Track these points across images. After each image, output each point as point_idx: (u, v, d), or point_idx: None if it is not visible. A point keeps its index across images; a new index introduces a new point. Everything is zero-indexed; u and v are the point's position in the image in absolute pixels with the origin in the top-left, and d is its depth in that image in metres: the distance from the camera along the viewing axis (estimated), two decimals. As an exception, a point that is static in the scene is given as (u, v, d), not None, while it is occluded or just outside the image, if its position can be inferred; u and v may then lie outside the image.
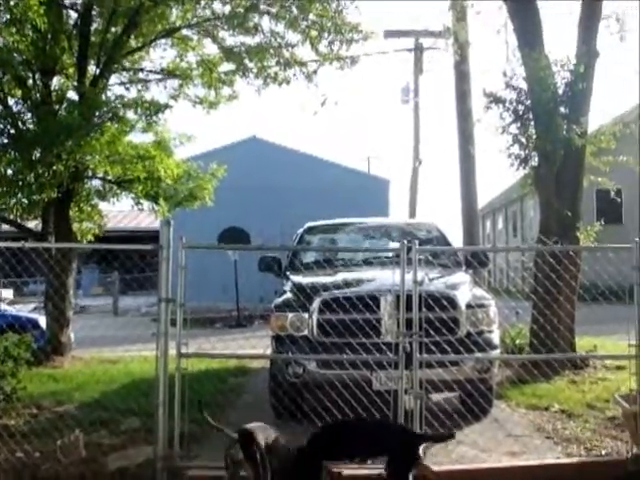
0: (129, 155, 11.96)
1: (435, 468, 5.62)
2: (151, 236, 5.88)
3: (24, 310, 16.77)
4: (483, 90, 11.49)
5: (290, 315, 7.29)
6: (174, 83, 14.03)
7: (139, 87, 13.99)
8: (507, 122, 11.23)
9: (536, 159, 11.20)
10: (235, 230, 21.82)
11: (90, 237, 13.27)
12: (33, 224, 13.61)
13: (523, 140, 11.17)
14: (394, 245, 8.60)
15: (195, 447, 6.33)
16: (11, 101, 12.37)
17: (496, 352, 7.49)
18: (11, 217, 12.65)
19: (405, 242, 5.98)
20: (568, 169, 10.99)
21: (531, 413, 7.98)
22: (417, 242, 6.09)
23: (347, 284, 7.36)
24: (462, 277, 8.27)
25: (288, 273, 8.70)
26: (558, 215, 10.81)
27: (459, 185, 21.13)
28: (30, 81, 12.27)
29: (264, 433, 4.86)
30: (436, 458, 6.02)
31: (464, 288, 7.67)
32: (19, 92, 12.29)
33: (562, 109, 11.05)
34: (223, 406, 8.28)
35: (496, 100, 11.29)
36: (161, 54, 16.64)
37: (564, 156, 10.86)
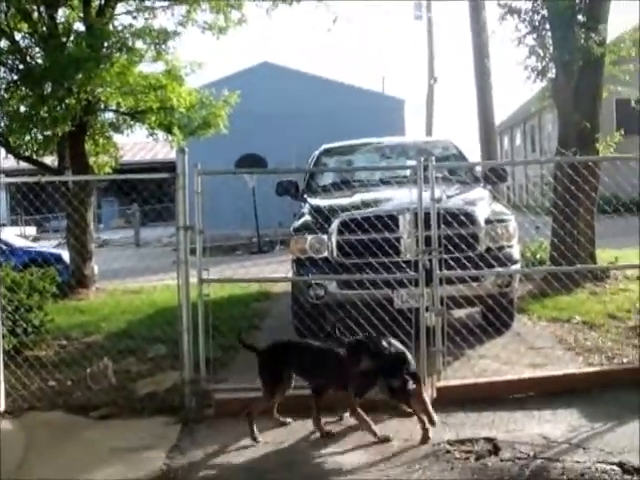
0: (140, 85, 11.84)
1: (457, 382, 5.73)
2: (168, 167, 5.88)
3: (48, 246, 16.96)
4: (498, 1, 11.20)
5: (309, 237, 7.31)
6: (182, 9, 13.69)
7: (146, 15, 13.67)
8: (523, 33, 11.00)
9: (554, 70, 10.98)
10: (252, 157, 21.72)
11: (107, 170, 13.28)
12: (49, 160, 13.62)
13: (540, 51, 10.94)
14: (411, 164, 8.51)
15: (221, 371, 6.47)
16: (18, 36, 12.21)
17: (516, 266, 7.49)
18: (27, 154, 12.67)
19: (422, 159, 5.91)
20: (587, 79, 10.76)
21: (552, 325, 8.05)
22: (434, 159, 6.02)
23: (365, 204, 7.33)
24: (480, 193, 8.21)
25: (306, 196, 8.68)
26: (577, 127, 10.64)
27: (475, 101, 20.83)
28: (35, 14, 12.08)
29: None
30: (459, 372, 6.13)
31: (483, 204, 7.63)
32: (25, 26, 12.13)
33: (580, 17, 10.76)
34: (247, 330, 8.40)
35: (511, 11, 11.01)
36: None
37: (582, 66, 10.63)
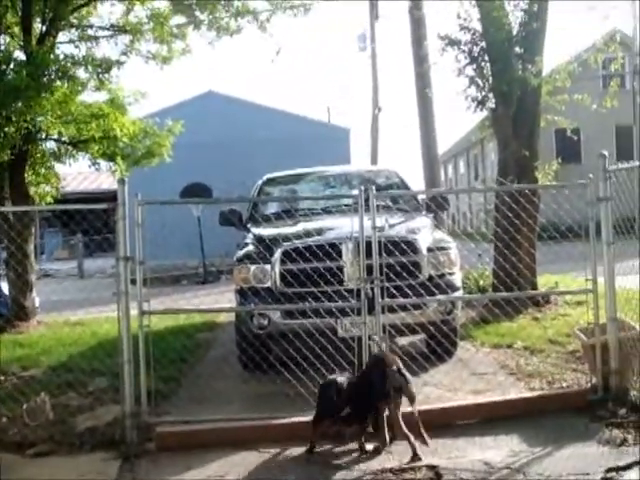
0: (82, 115, 11.70)
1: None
2: (112, 197, 5.83)
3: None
4: (438, 33, 11.45)
5: (252, 267, 7.29)
6: (125, 39, 13.67)
7: (89, 44, 13.61)
8: (463, 64, 11.21)
9: (493, 100, 11.22)
10: (197, 186, 21.65)
11: (49, 200, 13.04)
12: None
13: (479, 81, 11.17)
14: (353, 192, 8.58)
15: (163, 404, 6.37)
16: (-45, 64, 11.98)
17: (458, 294, 7.58)
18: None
19: (362, 188, 5.97)
20: (525, 109, 11.03)
21: (495, 351, 8.15)
22: (374, 188, 6.09)
23: (307, 234, 7.36)
24: (422, 221, 8.31)
25: (249, 225, 8.67)
26: (516, 155, 10.88)
27: (419, 130, 21.15)
28: (-27, 42, 11.91)
29: None
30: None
31: (424, 232, 7.72)
32: (-38, 53, 11.92)
33: (517, 49, 11.05)
34: (190, 362, 8.31)
35: (451, 42, 11.24)
36: (109, 9, 16.17)
37: (520, 96, 10.89)
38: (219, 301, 11.42)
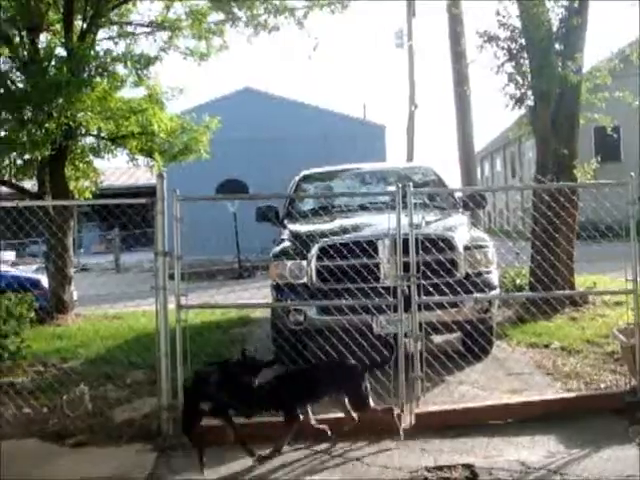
0: (121, 110, 11.82)
1: (436, 408, 5.73)
2: (149, 192, 5.89)
3: (27, 271, 16.80)
4: (476, 30, 11.36)
5: (288, 263, 7.33)
6: (163, 35, 13.79)
7: (128, 41, 13.77)
8: (501, 61, 11.10)
9: (532, 98, 11.10)
10: (233, 182, 21.75)
11: (88, 194, 13.23)
12: (29, 184, 13.55)
13: (518, 79, 11.05)
14: (390, 190, 8.56)
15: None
16: (-2, 60, 12.22)
17: (495, 292, 7.53)
18: (5, 178, 12.61)
19: (400, 185, 5.95)
20: (564, 107, 10.89)
21: (531, 351, 8.07)
22: (412, 185, 6.07)
23: (344, 230, 7.37)
24: (459, 219, 8.27)
25: (285, 222, 8.70)
26: (555, 154, 10.75)
27: (455, 128, 21.03)
28: (17, 39, 12.09)
29: None
30: (438, 398, 6.13)
31: (461, 230, 7.68)
32: (6, 50, 12.12)
33: (557, 46, 10.92)
34: (225, 356, 8.34)
35: (490, 39, 11.14)
36: (148, 6, 16.39)
37: (560, 94, 10.76)
38: (254, 297, 11.46)
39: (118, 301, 14.53)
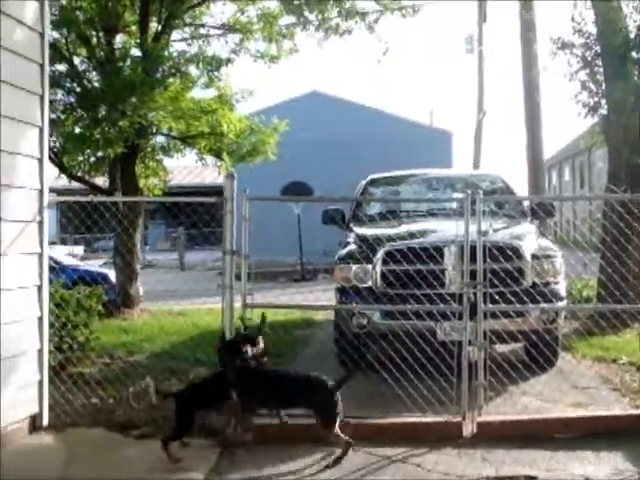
0: (192, 110, 12.04)
1: (499, 417, 5.66)
2: (214, 192, 5.96)
3: (94, 265, 17.24)
4: (550, 36, 11.21)
5: (354, 267, 7.34)
6: (235, 38, 13.99)
7: (200, 42, 14.01)
8: (575, 69, 10.93)
9: (605, 107, 10.88)
10: (298, 184, 21.85)
11: (157, 192, 13.51)
12: (100, 181, 13.90)
13: (592, 87, 10.86)
14: (458, 196, 8.50)
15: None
16: (76, 60, 12.57)
17: (562, 303, 7.40)
18: (79, 174, 12.96)
19: (469, 192, 5.91)
20: (639, 116, 10.64)
21: (597, 365, 7.90)
22: (481, 192, 6.02)
23: (411, 235, 7.35)
24: (527, 227, 8.16)
25: (351, 225, 8.72)
26: (628, 164, 10.51)
27: (524, 135, 20.73)
28: (94, 39, 12.44)
29: None
30: (500, 408, 6.06)
31: (529, 238, 7.58)
32: (84, 51, 12.50)
33: (634, 54, 10.66)
34: (287, 357, 8.41)
35: (563, 46, 10.98)
36: (221, 9, 16.58)
37: (634, 103, 10.51)
38: (318, 299, 11.53)
39: (184, 298, 14.75)
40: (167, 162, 14.07)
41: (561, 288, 7.38)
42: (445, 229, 7.18)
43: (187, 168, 35.78)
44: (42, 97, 5.95)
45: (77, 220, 7.73)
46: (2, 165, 5.35)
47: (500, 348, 7.76)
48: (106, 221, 8.75)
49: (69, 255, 19.06)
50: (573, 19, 10.98)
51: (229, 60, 12.90)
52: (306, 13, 13.31)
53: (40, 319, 5.90)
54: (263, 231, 6.06)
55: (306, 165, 25.04)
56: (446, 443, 5.35)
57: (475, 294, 5.77)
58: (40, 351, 5.85)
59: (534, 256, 7.21)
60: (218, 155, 12.99)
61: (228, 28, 14.04)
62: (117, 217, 11.48)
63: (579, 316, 9.79)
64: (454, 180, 10.37)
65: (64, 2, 11.71)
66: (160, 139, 13.23)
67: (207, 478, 4.84)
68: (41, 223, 5.90)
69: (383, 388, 6.09)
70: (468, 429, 5.56)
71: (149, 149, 13.12)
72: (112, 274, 12.92)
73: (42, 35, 5.94)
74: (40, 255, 5.89)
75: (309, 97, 29.69)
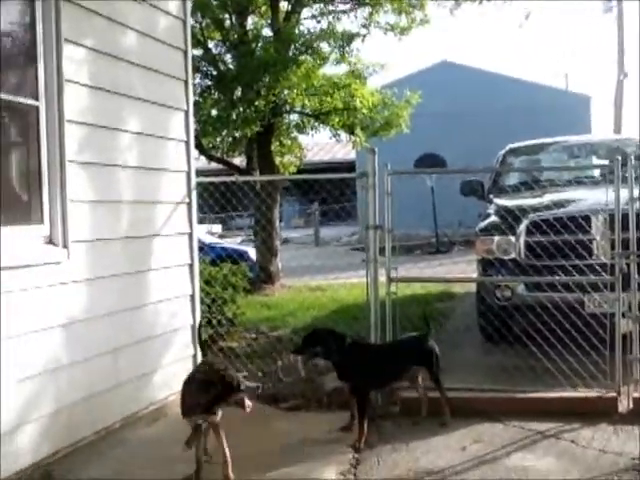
0: (324, 87, 12.17)
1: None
2: (346, 167, 6.02)
3: (234, 243, 17.77)
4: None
5: (497, 238, 7.20)
6: (364, 12, 13.92)
7: (330, 19, 14.04)
8: None
9: None
10: (431, 156, 21.63)
11: (292, 169, 13.76)
12: (237, 161, 14.29)
13: None
14: (603, 162, 8.15)
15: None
16: (211, 44, 12.96)
17: None
18: (217, 155, 13.39)
19: (619, 157, 5.65)
20: None
21: None
22: (633, 157, 5.74)
23: (556, 204, 7.14)
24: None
25: (491, 196, 8.56)
26: None
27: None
28: (227, 22, 12.75)
29: None
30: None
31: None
32: (217, 35, 12.83)
33: None
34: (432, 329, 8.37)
35: None
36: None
37: None
38: (452, 271, 11.41)
39: (317, 273, 14.96)
40: (302, 139, 14.30)
41: None
42: (591, 197, 6.91)
43: (318, 145, 36.12)
44: (186, 82, 6.17)
45: (211, 200, 8.05)
46: (154, 149, 5.61)
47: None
48: (238, 199, 9.04)
49: (208, 233, 19.74)
50: None
51: (360, 34, 12.87)
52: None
53: (192, 296, 6.16)
54: (398, 204, 6.06)
55: (438, 136, 24.65)
56: (600, 419, 5.18)
57: (628, 265, 5.54)
58: (193, 326, 6.10)
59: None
60: (351, 130, 13.04)
61: (357, 2, 13.98)
62: (259, 195, 11.78)
63: None
64: (596, 146, 9.96)
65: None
66: (294, 117, 13.43)
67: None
68: (189, 204, 6.14)
69: (532, 362, 5.97)
70: (623, 405, 5.37)
71: (284, 127, 13.36)
72: (252, 251, 13.28)
73: (185, 22, 6.15)
74: (190, 235, 6.14)
75: (439, 67, 29.17)
